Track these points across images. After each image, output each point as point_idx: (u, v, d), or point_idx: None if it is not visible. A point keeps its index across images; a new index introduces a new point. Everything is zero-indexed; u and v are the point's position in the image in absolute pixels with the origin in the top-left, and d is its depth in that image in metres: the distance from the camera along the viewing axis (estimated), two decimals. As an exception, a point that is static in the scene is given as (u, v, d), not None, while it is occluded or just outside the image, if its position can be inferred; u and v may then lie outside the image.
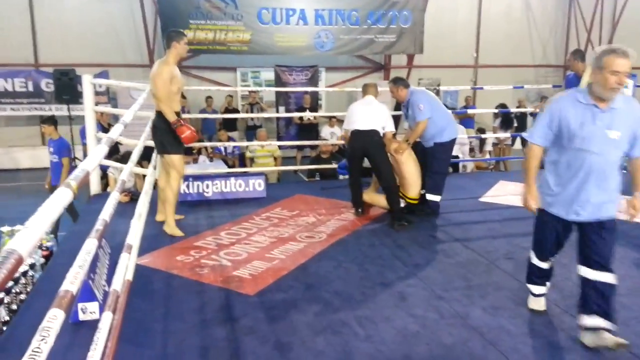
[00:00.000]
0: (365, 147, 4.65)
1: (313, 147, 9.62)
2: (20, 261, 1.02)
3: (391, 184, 4.63)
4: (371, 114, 4.71)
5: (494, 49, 14.64)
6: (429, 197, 4.87)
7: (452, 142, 4.95)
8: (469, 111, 10.17)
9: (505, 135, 9.39)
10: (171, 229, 4.29)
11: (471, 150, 9.34)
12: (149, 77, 4.23)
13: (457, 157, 7.46)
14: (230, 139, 9.41)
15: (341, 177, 6.35)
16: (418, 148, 4.92)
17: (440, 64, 14.04)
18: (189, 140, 4.21)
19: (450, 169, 6.82)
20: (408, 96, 4.87)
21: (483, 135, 9.26)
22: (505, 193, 5.76)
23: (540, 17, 15.10)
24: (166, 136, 4.18)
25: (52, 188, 6.39)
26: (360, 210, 4.90)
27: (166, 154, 4.23)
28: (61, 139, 6.48)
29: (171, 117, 4.11)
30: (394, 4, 12.79)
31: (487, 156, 9.51)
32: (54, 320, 1.24)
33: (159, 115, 4.18)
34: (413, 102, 4.82)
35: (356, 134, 4.69)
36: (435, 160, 4.86)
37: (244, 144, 9.05)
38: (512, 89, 8.49)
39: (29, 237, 1.13)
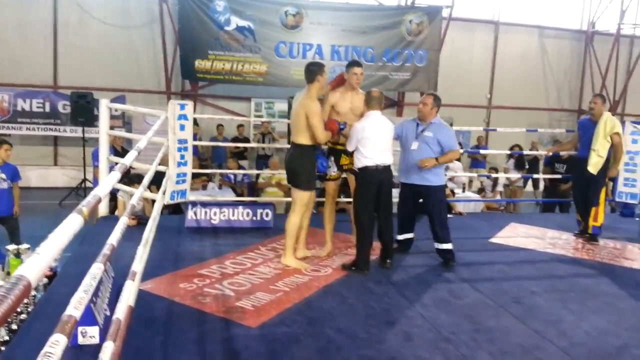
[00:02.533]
0: (389, 182, 4.37)
1: (322, 179, 9.61)
2: (29, 288, 1.00)
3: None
4: (391, 140, 4.37)
5: (508, 91, 14.73)
6: (447, 246, 4.53)
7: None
8: (482, 151, 10.16)
9: (517, 176, 9.34)
10: (289, 260, 4.29)
11: (482, 190, 9.29)
12: (165, 104, 4.27)
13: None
14: (240, 167, 9.46)
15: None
16: (406, 188, 4.66)
17: (453, 103, 14.11)
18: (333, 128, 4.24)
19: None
20: (434, 120, 4.60)
21: (494, 175, 9.21)
22: (516, 235, 5.68)
23: (555, 60, 15.22)
24: (302, 171, 4.23)
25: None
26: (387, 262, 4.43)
27: (296, 188, 4.26)
28: (8, 163, 6.12)
29: (327, 138, 4.26)
30: (409, 43, 12.98)
31: (498, 197, 9.44)
32: (56, 345, 1.22)
33: (298, 148, 4.22)
34: (447, 128, 4.65)
35: (383, 170, 4.25)
36: (442, 203, 4.61)
37: (254, 172, 9.08)
38: (525, 131, 8.49)
39: (39, 263, 1.12)
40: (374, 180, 4.21)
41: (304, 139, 4.19)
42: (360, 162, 4.24)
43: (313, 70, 4.15)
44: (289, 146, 4.55)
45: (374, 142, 4.19)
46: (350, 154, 4.45)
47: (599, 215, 5.48)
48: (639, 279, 4.41)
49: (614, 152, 5.43)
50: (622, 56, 15.20)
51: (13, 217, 6.19)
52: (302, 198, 4.28)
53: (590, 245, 5.39)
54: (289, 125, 12.73)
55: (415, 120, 4.67)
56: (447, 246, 4.53)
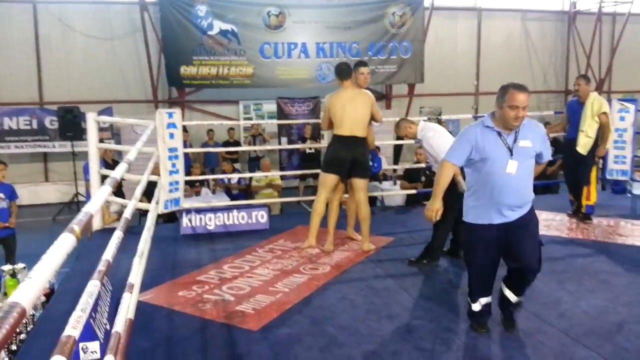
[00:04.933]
0: None
1: (316, 177, 9.62)
2: (23, 314, 1.01)
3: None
4: None
5: (494, 76, 14.71)
6: (519, 299, 4.12)
7: None
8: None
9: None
10: (369, 245, 4.70)
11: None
12: (153, 112, 4.28)
13: None
14: (235, 169, 9.43)
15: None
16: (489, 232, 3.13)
17: (441, 92, 14.15)
18: None
19: None
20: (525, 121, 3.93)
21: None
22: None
23: (539, 43, 15.27)
24: (367, 161, 4.69)
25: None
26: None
27: (363, 179, 4.65)
28: (4, 182, 6.25)
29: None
30: (393, 36, 12.98)
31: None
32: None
33: (363, 142, 4.61)
34: (539, 126, 4.14)
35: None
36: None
37: (247, 175, 9.06)
38: (514, 115, 8.52)
39: (32, 288, 1.11)
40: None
41: (364, 132, 4.59)
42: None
43: (346, 69, 4.57)
44: (280, 147, 4.69)
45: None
46: None
47: (592, 194, 5.51)
48: (633, 255, 4.44)
49: (602, 132, 5.41)
50: (605, 34, 15.27)
51: (13, 236, 6.31)
52: (366, 185, 4.69)
53: (584, 224, 5.44)
54: (279, 125, 12.69)
55: (491, 127, 2.94)
56: (519, 299, 3.18)
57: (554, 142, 7.60)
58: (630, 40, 15.08)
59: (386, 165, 8.66)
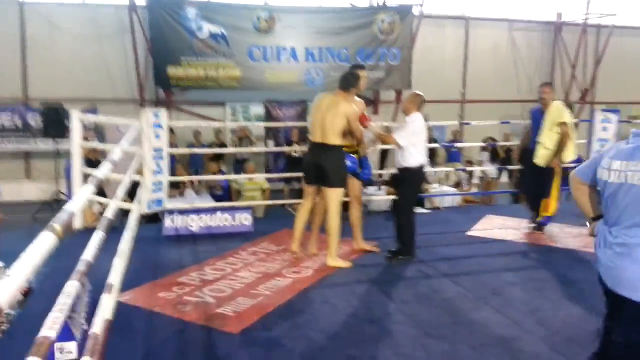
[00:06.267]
0: None
1: (300, 181, 9.62)
2: (0, 312, 0.99)
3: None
4: None
5: (480, 85, 14.90)
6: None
7: None
8: (456, 145, 10.28)
9: (491, 168, 9.46)
10: (334, 261, 4.42)
11: (459, 184, 9.39)
12: (139, 112, 4.23)
13: None
14: (220, 170, 9.38)
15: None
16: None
17: (428, 99, 14.12)
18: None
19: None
20: None
21: (469, 168, 9.32)
22: (492, 227, 5.76)
23: (525, 53, 15.46)
24: (339, 170, 4.41)
25: None
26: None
27: (331, 187, 4.36)
28: None
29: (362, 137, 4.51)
30: (382, 42, 13.05)
31: (474, 189, 9.56)
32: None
33: (334, 149, 4.36)
34: None
35: (423, 167, 4.61)
36: None
37: (232, 177, 9.03)
38: (499, 123, 8.60)
39: (10, 287, 1.10)
40: (423, 177, 4.54)
41: (337, 140, 4.37)
42: (415, 160, 4.42)
43: (351, 80, 4.41)
44: (266, 149, 4.65)
45: (424, 143, 4.53)
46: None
47: (550, 206, 5.34)
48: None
49: (559, 142, 5.14)
50: (590, 45, 15.52)
51: None
52: (337, 195, 4.42)
53: (536, 233, 5.39)
54: (265, 128, 12.65)
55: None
56: None
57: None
58: (614, 52, 15.33)
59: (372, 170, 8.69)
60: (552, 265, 4.50)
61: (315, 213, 4.74)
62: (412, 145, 4.38)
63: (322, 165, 4.35)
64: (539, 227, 5.46)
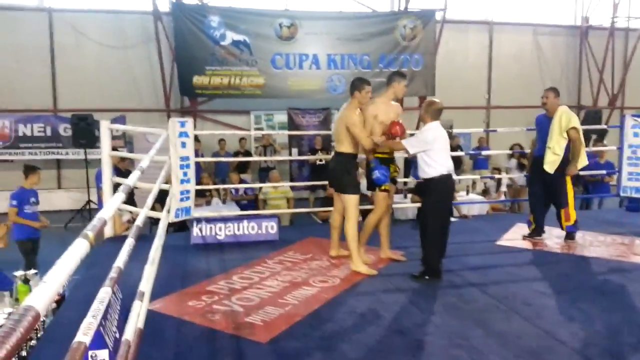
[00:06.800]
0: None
1: (325, 189, 9.63)
2: (37, 318, 1.00)
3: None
4: None
5: (505, 90, 14.73)
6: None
7: None
8: (483, 152, 10.16)
9: (519, 175, 9.31)
10: (357, 266, 4.43)
11: (486, 191, 9.26)
12: (164, 121, 4.30)
13: None
14: (242, 181, 9.46)
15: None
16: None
17: (452, 105, 14.09)
18: (400, 131, 4.50)
19: None
20: None
21: (497, 176, 9.20)
22: (522, 236, 5.65)
23: (551, 57, 15.23)
24: (345, 177, 4.48)
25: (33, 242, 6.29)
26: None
27: (343, 194, 4.49)
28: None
29: (371, 145, 4.46)
30: (404, 48, 13.01)
31: (502, 197, 9.42)
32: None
33: (339, 156, 4.53)
34: None
35: (449, 178, 4.36)
36: None
37: (256, 185, 9.08)
38: (525, 130, 8.47)
39: (46, 292, 1.11)
40: (447, 187, 4.33)
41: (344, 147, 4.50)
42: (434, 170, 4.25)
43: (355, 85, 4.56)
44: (290, 158, 4.72)
45: (442, 152, 4.33)
46: (394, 163, 4.69)
47: (571, 215, 5.21)
48: None
49: (572, 149, 5.05)
50: (618, 50, 15.21)
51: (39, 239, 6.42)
52: (351, 202, 4.46)
53: (568, 242, 5.25)
54: (289, 137, 12.77)
55: None
56: None
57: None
58: (643, 55, 15.03)
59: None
60: (585, 275, 4.40)
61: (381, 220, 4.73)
62: (425, 155, 4.26)
63: (330, 173, 4.59)
64: (570, 236, 5.33)
